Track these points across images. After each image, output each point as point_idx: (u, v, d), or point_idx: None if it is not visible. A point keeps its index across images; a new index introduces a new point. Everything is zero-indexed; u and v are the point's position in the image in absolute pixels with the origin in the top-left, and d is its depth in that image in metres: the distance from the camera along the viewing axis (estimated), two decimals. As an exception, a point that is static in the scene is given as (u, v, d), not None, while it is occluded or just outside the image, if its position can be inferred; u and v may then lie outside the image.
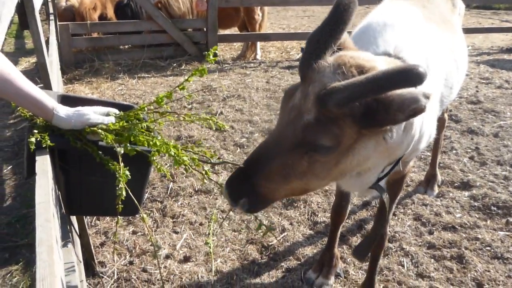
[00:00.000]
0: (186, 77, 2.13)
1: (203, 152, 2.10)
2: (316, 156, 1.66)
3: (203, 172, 2.09)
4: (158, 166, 2.07)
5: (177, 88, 2.16)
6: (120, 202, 1.79)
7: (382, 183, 2.21)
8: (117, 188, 1.81)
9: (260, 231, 2.06)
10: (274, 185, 1.73)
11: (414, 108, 1.47)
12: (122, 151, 1.90)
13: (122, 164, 1.86)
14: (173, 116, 2.21)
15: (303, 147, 1.64)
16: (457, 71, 2.75)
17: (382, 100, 1.51)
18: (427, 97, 1.47)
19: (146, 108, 2.17)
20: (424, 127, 2.09)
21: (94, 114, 1.99)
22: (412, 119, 1.78)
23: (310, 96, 1.61)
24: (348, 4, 1.66)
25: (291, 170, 1.69)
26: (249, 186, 1.72)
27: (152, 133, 2.12)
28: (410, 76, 1.41)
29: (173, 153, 1.98)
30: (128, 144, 1.95)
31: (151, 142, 2.00)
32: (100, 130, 1.96)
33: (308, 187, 1.80)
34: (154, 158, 2.01)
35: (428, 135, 2.24)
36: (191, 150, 2.07)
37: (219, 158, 2.21)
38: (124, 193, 1.81)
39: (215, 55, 2.11)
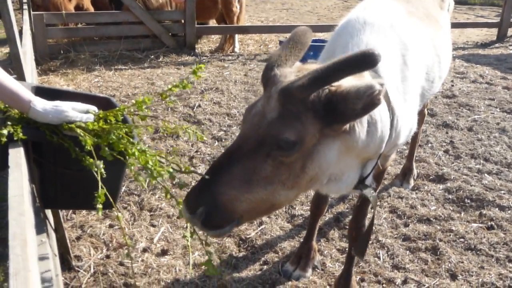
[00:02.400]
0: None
1: (176, 162, 2.04)
2: (280, 157, 1.62)
3: (166, 191, 2.02)
4: (135, 175, 2.01)
5: (157, 91, 2.12)
6: (98, 200, 1.77)
7: (369, 181, 2.22)
8: (94, 185, 1.79)
9: (204, 267, 1.97)
10: (234, 192, 1.63)
11: (370, 94, 1.54)
12: (102, 166, 1.86)
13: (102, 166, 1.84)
14: (152, 124, 2.17)
15: (266, 147, 1.62)
16: (439, 66, 2.78)
17: (340, 93, 1.60)
18: (381, 85, 1.55)
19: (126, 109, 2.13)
20: (400, 122, 2.11)
21: (73, 111, 1.94)
22: (374, 119, 1.83)
23: (274, 96, 1.65)
24: (303, 31, 1.89)
25: (254, 175, 1.63)
26: (209, 194, 1.65)
27: (132, 135, 2.07)
28: (365, 58, 1.50)
29: (150, 166, 1.91)
30: (107, 149, 1.90)
31: (129, 151, 1.94)
32: (78, 130, 1.91)
33: (275, 199, 1.69)
34: (132, 167, 1.97)
35: (407, 129, 2.26)
36: (167, 159, 2.02)
37: (191, 166, 2.17)
38: (103, 197, 1.78)
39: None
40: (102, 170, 1.84)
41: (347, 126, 1.71)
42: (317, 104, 1.61)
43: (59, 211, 2.88)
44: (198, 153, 4.58)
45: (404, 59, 2.25)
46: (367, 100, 1.56)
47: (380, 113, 1.88)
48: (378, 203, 3.87)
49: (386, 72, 2.12)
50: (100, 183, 1.80)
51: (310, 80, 1.55)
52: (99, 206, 1.79)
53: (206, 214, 1.64)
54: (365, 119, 1.81)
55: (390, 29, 2.30)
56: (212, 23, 9.89)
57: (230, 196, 1.64)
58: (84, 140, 1.85)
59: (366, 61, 1.51)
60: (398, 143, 2.23)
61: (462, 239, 3.43)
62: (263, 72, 1.78)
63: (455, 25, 11.18)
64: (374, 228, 3.52)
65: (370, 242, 3.38)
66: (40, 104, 1.86)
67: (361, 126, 1.78)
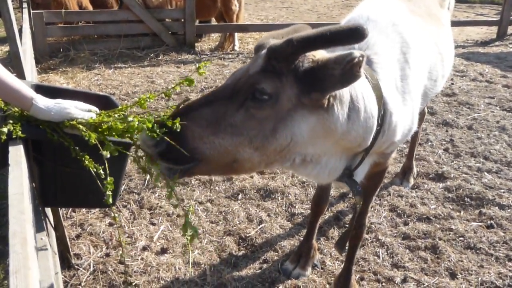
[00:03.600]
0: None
1: None
2: (252, 108, 1.64)
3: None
4: (144, 167, 2.00)
5: (161, 92, 2.11)
6: (108, 187, 1.79)
7: (358, 177, 2.22)
8: (94, 183, 1.79)
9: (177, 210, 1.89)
10: (199, 130, 1.63)
11: (349, 61, 1.58)
12: (109, 155, 1.85)
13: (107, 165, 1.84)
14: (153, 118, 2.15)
15: (241, 96, 1.65)
16: (442, 64, 2.78)
17: (321, 60, 1.64)
18: (362, 55, 1.58)
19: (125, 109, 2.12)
20: (395, 119, 2.10)
21: (75, 109, 1.94)
22: (357, 106, 1.82)
23: (261, 55, 1.70)
24: (303, 27, 1.95)
25: (223, 120, 1.64)
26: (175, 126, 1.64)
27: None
28: (354, 31, 1.54)
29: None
30: (110, 139, 1.90)
31: (135, 139, 1.94)
32: (80, 126, 1.91)
33: (238, 153, 1.68)
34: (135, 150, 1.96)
35: (406, 128, 2.25)
36: None
37: None
38: (112, 185, 1.79)
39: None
40: (108, 155, 1.83)
41: (325, 101, 1.71)
42: (299, 68, 1.65)
43: (59, 209, 2.88)
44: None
45: (406, 57, 2.24)
46: (346, 68, 1.60)
47: (364, 102, 1.87)
48: (378, 201, 3.87)
49: (382, 70, 2.11)
50: (104, 175, 1.80)
51: (298, 38, 1.59)
52: (109, 193, 1.79)
53: (167, 145, 1.63)
54: (345, 101, 1.79)
55: (392, 27, 2.30)
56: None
57: (194, 133, 1.64)
58: (88, 135, 1.85)
59: (354, 34, 1.55)
60: (395, 140, 2.21)
61: (461, 238, 3.43)
62: (257, 43, 1.84)
63: (455, 24, 11.19)
64: (373, 227, 3.53)
65: (370, 240, 3.38)
66: (42, 101, 1.86)
67: (339, 107, 1.76)
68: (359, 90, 1.86)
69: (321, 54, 1.72)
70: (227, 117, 1.64)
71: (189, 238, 1.87)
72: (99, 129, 1.93)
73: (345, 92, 1.78)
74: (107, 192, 1.80)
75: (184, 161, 1.66)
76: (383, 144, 2.16)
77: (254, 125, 1.66)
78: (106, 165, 1.87)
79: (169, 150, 1.64)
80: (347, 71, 1.60)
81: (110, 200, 1.82)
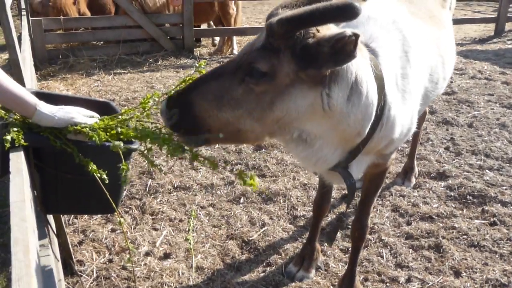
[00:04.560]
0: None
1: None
2: (251, 84, 1.72)
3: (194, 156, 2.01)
4: (152, 161, 2.02)
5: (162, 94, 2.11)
6: (123, 170, 1.84)
7: (354, 173, 2.21)
8: (96, 189, 1.80)
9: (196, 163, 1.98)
10: (206, 105, 1.75)
11: (339, 38, 1.60)
12: (122, 146, 1.88)
13: (125, 162, 1.88)
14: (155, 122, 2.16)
15: (242, 72, 1.72)
16: (443, 66, 2.77)
17: (316, 37, 1.67)
18: (355, 34, 1.59)
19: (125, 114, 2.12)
20: (393, 114, 2.08)
21: (79, 115, 1.95)
22: (359, 90, 1.83)
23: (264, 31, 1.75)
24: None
25: (226, 94, 1.73)
26: (185, 98, 1.77)
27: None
28: (346, 7, 1.55)
29: (167, 141, 1.92)
30: (120, 143, 1.90)
31: (139, 135, 1.96)
32: (86, 129, 1.92)
33: (240, 125, 1.77)
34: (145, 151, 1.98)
35: (405, 127, 2.24)
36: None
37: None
38: (127, 166, 1.85)
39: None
40: (122, 148, 1.88)
41: (325, 78, 1.73)
42: (296, 45, 1.68)
43: (61, 216, 2.87)
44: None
45: (407, 56, 2.24)
46: (336, 46, 1.62)
47: (367, 87, 1.87)
48: (380, 202, 3.86)
49: (386, 63, 2.10)
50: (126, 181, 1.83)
51: (289, 16, 1.62)
52: (125, 179, 1.86)
53: (179, 116, 1.77)
54: (348, 81, 1.80)
55: (392, 25, 2.29)
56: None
57: (201, 107, 1.76)
58: (97, 134, 1.87)
59: (344, 10, 1.56)
60: (393, 137, 2.19)
61: (465, 236, 3.43)
62: (269, 13, 1.86)
63: (452, 22, 11.20)
64: (376, 227, 3.52)
65: (373, 241, 3.37)
66: (46, 107, 1.87)
67: (340, 87, 1.78)
68: (364, 75, 1.86)
69: (325, 30, 1.72)
70: (230, 91, 1.74)
71: (191, 242, 1.90)
72: (108, 134, 1.94)
73: (349, 73, 1.79)
74: (123, 174, 1.86)
75: (195, 131, 1.80)
76: (381, 141, 2.14)
77: (253, 98, 1.74)
78: (123, 148, 1.88)
79: (180, 123, 1.77)
80: (338, 49, 1.63)
81: (127, 183, 1.90)
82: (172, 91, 1.88)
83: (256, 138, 1.89)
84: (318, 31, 1.69)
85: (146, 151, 2.00)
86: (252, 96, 1.73)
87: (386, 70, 2.08)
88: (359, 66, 1.84)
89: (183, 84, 2.02)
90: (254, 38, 1.88)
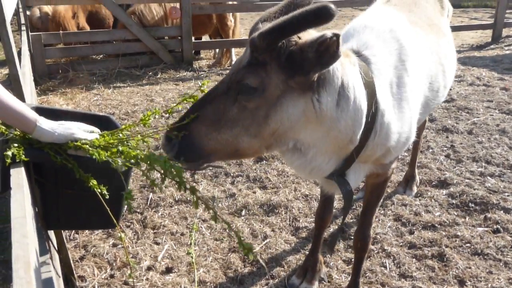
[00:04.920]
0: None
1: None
2: (244, 101, 1.73)
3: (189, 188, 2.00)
4: (153, 180, 1.99)
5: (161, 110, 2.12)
6: (128, 196, 1.85)
7: (352, 181, 2.20)
8: (96, 204, 1.79)
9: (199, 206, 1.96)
10: (205, 129, 1.77)
11: (322, 41, 1.62)
12: (123, 168, 1.88)
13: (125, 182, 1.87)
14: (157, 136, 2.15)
15: (233, 90, 1.75)
16: (444, 75, 2.78)
17: (298, 43, 1.69)
18: (336, 34, 1.62)
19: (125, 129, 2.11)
20: (387, 120, 2.08)
21: (79, 130, 1.95)
22: (347, 95, 1.85)
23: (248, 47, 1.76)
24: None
25: (223, 116, 1.75)
26: (185, 128, 1.79)
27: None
28: (320, 10, 1.57)
29: (166, 167, 1.91)
30: (119, 160, 1.89)
31: (141, 156, 1.94)
32: (86, 146, 1.91)
33: (238, 143, 1.79)
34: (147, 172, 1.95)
35: (403, 136, 2.21)
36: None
37: None
38: (130, 194, 1.84)
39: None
40: (124, 167, 1.89)
41: (313, 84, 1.75)
42: (281, 55, 1.70)
43: (62, 231, 2.86)
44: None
45: (404, 65, 2.24)
46: (320, 49, 1.64)
47: (355, 93, 1.89)
48: (382, 211, 3.85)
49: (379, 72, 2.12)
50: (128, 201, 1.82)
51: (269, 29, 1.64)
52: (129, 203, 1.87)
53: (180, 146, 1.79)
54: (335, 86, 1.82)
55: (389, 33, 2.30)
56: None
57: (201, 132, 1.78)
58: (97, 152, 1.86)
59: (320, 13, 1.57)
60: (389, 145, 2.18)
61: (468, 244, 3.41)
62: (251, 28, 1.92)
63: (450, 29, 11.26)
64: (379, 237, 3.50)
65: (376, 251, 3.35)
66: (46, 123, 1.87)
67: (328, 91, 1.80)
68: (350, 80, 1.89)
69: (306, 36, 1.74)
70: (225, 112, 1.76)
71: (193, 256, 1.89)
72: (108, 152, 1.92)
73: (335, 77, 1.82)
74: (128, 204, 1.88)
75: (197, 157, 1.83)
76: (376, 148, 2.14)
77: (248, 115, 1.75)
78: (124, 167, 1.87)
79: (182, 151, 1.80)
80: (322, 52, 1.65)
81: (132, 209, 1.90)
82: (171, 125, 1.87)
83: (255, 153, 1.90)
84: (299, 38, 1.71)
85: (146, 171, 1.97)
86: (246, 113, 1.75)
87: (379, 77, 2.10)
88: (345, 72, 1.87)
89: (185, 101, 2.05)
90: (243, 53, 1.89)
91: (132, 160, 1.91)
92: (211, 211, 1.85)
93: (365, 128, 1.97)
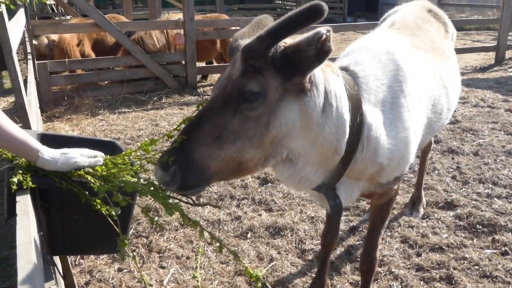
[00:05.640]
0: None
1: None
2: (246, 111, 1.71)
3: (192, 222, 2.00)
4: (152, 218, 1.99)
5: (165, 135, 2.12)
6: (121, 245, 1.80)
7: (343, 196, 2.20)
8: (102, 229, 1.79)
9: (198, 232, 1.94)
10: (206, 149, 1.69)
11: (319, 39, 1.63)
12: (119, 212, 1.87)
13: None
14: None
15: (233, 102, 1.72)
16: (447, 97, 2.79)
17: (292, 45, 1.69)
18: (328, 29, 1.64)
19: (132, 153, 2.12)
20: (374, 135, 2.07)
21: (81, 157, 1.96)
22: (330, 102, 1.87)
23: (238, 58, 1.75)
24: (265, 17, 2.07)
25: (224, 131, 1.71)
26: (182, 153, 1.70)
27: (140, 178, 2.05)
28: (310, 9, 1.60)
29: (167, 202, 1.90)
30: (120, 195, 1.89)
31: (142, 191, 1.93)
32: (89, 177, 1.92)
33: (242, 156, 1.74)
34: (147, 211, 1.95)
35: (390, 150, 2.16)
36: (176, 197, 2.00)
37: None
38: (125, 243, 1.79)
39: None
40: (118, 212, 1.85)
41: (306, 84, 1.77)
42: (275, 59, 1.70)
43: (67, 256, 2.85)
44: (205, 191, 4.57)
45: (401, 86, 2.24)
46: (317, 46, 1.65)
47: (337, 101, 1.91)
48: (389, 233, 3.82)
49: (367, 86, 2.14)
50: (119, 228, 1.81)
51: (266, 33, 1.65)
52: (125, 251, 1.83)
53: (182, 173, 1.69)
54: (321, 90, 1.84)
55: (386, 55, 2.32)
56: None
57: (203, 153, 1.70)
58: (98, 187, 1.85)
59: (312, 11, 1.60)
60: (380, 162, 2.16)
61: (476, 267, 3.37)
62: (229, 45, 1.91)
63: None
64: (386, 259, 3.47)
65: (383, 274, 3.32)
66: (48, 153, 1.88)
67: (316, 94, 1.82)
68: (333, 88, 1.91)
69: (290, 39, 1.77)
70: (226, 126, 1.71)
71: (199, 280, 1.87)
72: (110, 183, 1.92)
73: (319, 83, 1.84)
74: (121, 250, 1.82)
75: (201, 183, 1.76)
76: (367, 163, 2.13)
77: (251, 125, 1.73)
78: (118, 212, 1.87)
79: (186, 180, 1.71)
80: (320, 48, 1.66)
81: (124, 257, 1.84)
82: (162, 154, 1.79)
83: (255, 166, 1.85)
84: (285, 43, 1.73)
85: (146, 210, 1.96)
86: (249, 123, 1.72)
87: (367, 92, 2.12)
88: (327, 79, 1.89)
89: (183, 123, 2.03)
90: (222, 75, 1.88)
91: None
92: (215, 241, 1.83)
93: (350, 139, 1.98)
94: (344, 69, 2.18)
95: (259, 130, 1.73)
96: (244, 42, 1.80)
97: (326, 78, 1.89)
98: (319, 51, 1.66)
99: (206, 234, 1.94)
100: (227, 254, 3.58)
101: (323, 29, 1.65)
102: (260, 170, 1.96)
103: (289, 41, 1.75)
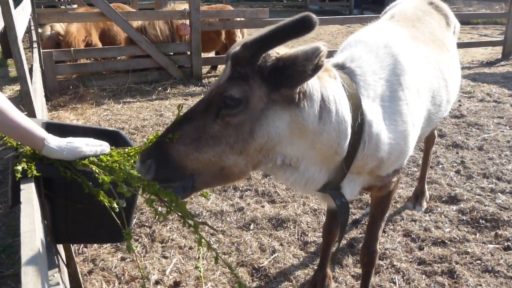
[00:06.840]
0: (172, 102, 2.12)
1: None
2: (227, 116, 1.69)
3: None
4: (156, 209, 2.00)
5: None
6: (127, 237, 1.82)
7: (348, 192, 2.19)
8: (105, 218, 1.79)
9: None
10: (184, 149, 1.70)
11: (318, 54, 1.61)
12: (124, 204, 1.88)
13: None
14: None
15: (215, 106, 1.70)
16: (447, 90, 2.77)
17: (288, 57, 1.66)
18: (324, 45, 1.63)
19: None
20: (375, 131, 2.06)
21: (87, 147, 1.97)
22: (328, 107, 1.85)
23: (228, 63, 1.74)
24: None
25: (203, 134, 1.70)
26: (160, 148, 1.73)
27: None
28: (300, 21, 1.57)
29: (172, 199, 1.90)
30: (124, 186, 1.90)
31: (146, 188, 1.94)
32: (93, 167, 1.93)
33: (223, 162, 1.73)
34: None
35: (389, 144, 2.16)
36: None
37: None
38: (130, 234, 1.80)
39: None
40: (123, 205, 1.86)
41: (295, 96, 1.74)
42: (263, 68, 1.68)
43: (71, 245, 2.87)
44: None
45: (399, 80, 2.23)
46: (316, 60, 1.63)
47: (336, 105, 1.88)
48: (391, 226, 3.83)
49: (365, 83, 2.12)
50: (124, 218, 1.82)
51: (252, 40, 1.64)
52: (129, 243, 1.83)
53: (157, 166, 1.72)
54: (315, 99, 1.81)
55: (383, 49, 2.30)
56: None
57: (180, 151, 1.71)
58: (102, 178, 1.86)
59: (302, 23, 1.57)
60: (380, 156, 2.16)
61: (478, 261, 3.37)
62: (226, 53, 1.87)
63: (459, 45, 11.21)
64: (388, 252, 3.47)
65: (385, 267, 3.33)
66: (54, 142, 1.88)
67: (309, 104, 1.79)
68: (331, 93, 1.88)
69: (284, 50, 1.74)
70: (206, 130, 1.71)
71: (201, 270, 1.87)
72: (114, 175, 1.93)
73: (315, 91, 1.81)
74: (128, 242, 1.84)
75: (178, 178, 1.76)
76: (367, 159, 2.12)
77: (232, 131, 1.71)
78: (123, 204, 1.87)
79: (160, 171, 1.73)
80: (318, 64, 1.64)
81: (131, 249, 1.85)
82: (145, 147, 1.84)
83: (241, 172, 1.82)
84: (278, 53, 1.71)
85: (149, 201, 1.96)
86: (230, 129, 1.70)
87: (366, 89, 2.10)
88: (323, 85, 1.86)
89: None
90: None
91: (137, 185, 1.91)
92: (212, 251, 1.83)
93: (352, 139, 1.97)
94: (341, 66, 2.15)
95: (241, 137, 1.71)
96: (234, 49, 1.78)
97: (323, 84, 1.86)
98: (316, 67, 1.64)
99: (204, 242, 1.96)
100: (229, 245, 3.60)
101: (322, 46, 1.63)
102: (249, 175, 1.94)
103: (282, 50, 1.72)
